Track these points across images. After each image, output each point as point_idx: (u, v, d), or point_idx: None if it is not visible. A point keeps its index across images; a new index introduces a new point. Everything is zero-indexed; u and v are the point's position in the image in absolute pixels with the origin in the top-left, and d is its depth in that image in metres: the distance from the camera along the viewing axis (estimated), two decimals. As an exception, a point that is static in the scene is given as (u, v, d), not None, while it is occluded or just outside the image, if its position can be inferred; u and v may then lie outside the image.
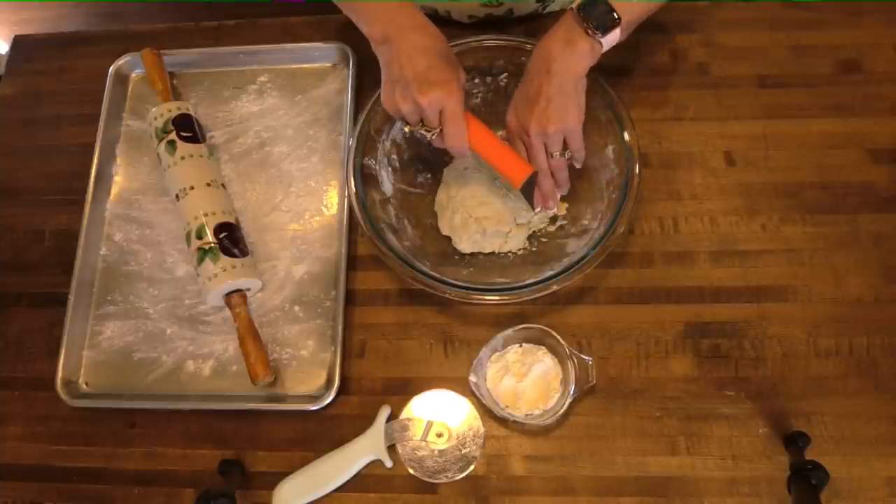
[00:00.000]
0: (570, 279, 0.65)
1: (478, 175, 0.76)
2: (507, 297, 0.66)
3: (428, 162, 0.79)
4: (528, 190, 0.69)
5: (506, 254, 0.75)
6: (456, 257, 0.76)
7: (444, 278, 0.67)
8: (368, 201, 0.71)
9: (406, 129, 0.67)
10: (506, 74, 0.78)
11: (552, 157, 0.68)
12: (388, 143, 0.76)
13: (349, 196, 0.71)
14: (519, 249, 0.76)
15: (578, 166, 0.71)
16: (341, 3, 0.69)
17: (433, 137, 0.66)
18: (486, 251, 0.75)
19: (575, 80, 0.65)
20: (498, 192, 0.75)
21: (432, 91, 0.61)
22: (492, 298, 0.66)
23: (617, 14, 0.63)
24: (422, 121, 0.65)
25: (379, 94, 0.72)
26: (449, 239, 0.76)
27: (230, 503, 0.63)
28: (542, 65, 0.64)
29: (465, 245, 0.75)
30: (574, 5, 0.64)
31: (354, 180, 0.71)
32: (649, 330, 0.72)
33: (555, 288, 0.65)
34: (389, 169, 0.77)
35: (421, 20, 0.65)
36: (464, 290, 0.66)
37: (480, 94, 0.80)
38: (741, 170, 0.77)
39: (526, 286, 0.66)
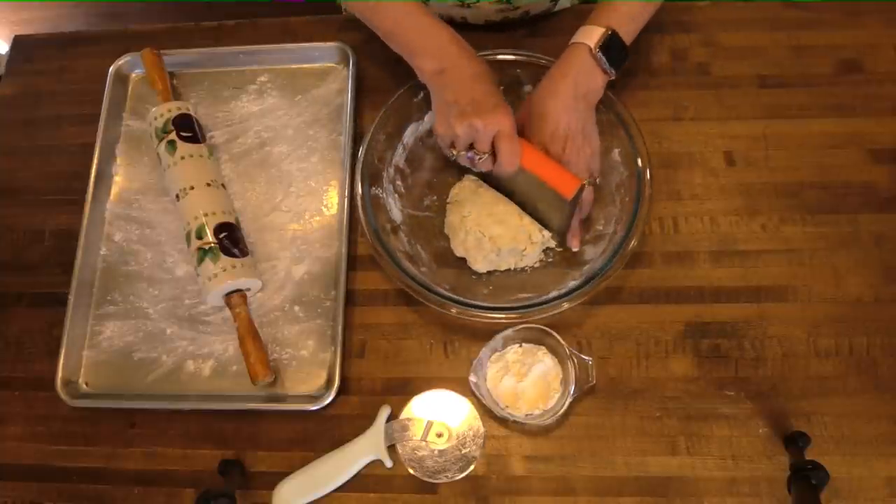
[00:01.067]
0: (592, 289, 0.65)
1: (489, 193, 0.75)
2: (534, 312, 0.66)
3: (432, 185, 0.79)
4: (574, 203, 0.68)
5: (523, 268, 0.75)
6: (473, 277, 0.75)
7: (470, 301, 0.67)
8: (380, 229, 0.71)
9: (452, 153, 0.68)
10: (502, 88, 0.77)
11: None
12: (391, 170, 0.76)
13: (355, 209, 0.71)
14: (535, 263, 0.75)
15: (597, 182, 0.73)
16: (390, 41, 0.70)
17: (482, 160, 0.67)
18: (502, 269, 0.75)
19: (594, 111, 0.70)
20: (511, 209, 0.74)
21: (490, 115, 0.63)
22: (510, 317, 0.66)
23: (627, 50, 0.67)
24: (471, 145, 0.66)
25: (377, 122, 0.73)
26: (463, 259, 0.75)
27: (230, 503, 0.63)
28: (568, 103, 0.67)
29: (480, 265, 0.74)
30: (592, 45, 0.66)
31: (364, 209, 0.70)
32: (649, 330, 0.72)
33: (579, 301, 0.65)
34: (396, 196, 0.76)
35: (470, 51, 0.67)
36: (486, 311, 0.66)
37: None
38: (741, 170, 0.77)
39: (551, 300, 0.66)
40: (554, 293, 0.67)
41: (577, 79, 0.66)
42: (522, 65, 0.75)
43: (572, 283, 0.67)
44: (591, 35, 0.66)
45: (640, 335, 0.72)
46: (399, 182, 0.77)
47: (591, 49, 0.66)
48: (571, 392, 0.66)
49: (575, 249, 0.73)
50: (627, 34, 0.68)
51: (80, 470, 0.73)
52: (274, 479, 0.68)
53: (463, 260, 0.75)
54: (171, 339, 0.76)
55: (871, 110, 0.78)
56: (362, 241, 0.78)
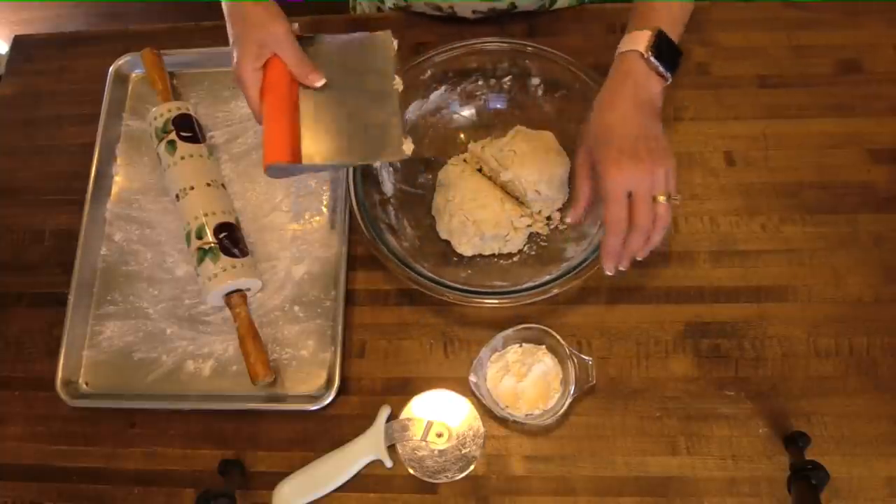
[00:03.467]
0: (568, 284, 0.65)
1: (474, 177, 0.76)
2: (505, 301, 0.66)
3: (429, 162, 0.79)
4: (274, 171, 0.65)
5: (505, 255, 0.75)
6: (455, 259, 0.76)
7: (444, 280, 0.67)
8: (368, 202, 0.71)
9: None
10: (510, 77, 0.78)
11: (657, 201, 0.59)
12: None
13: (349, 196, 0.71)
14: (518, 251, 0.76)
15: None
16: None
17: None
18: (486, 253, 0.75)
19: (660, 121, 0.63)
20: (495, 194, 0.75)
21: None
22: (491, 302, 0.66)
23: (679, 50, 0.63)
24: None
25: None
26: (447, 241, 0.76)
27: (230, 503, 0.63)
28: (629, 112, 0.61)
29: (464, 248, 0.75)
30: (642, 49, 0.61)
31: (354, 180, 0.71)
32: (649, 330, 0.72)
33: (555, 292, 0.65)
34: (390, 169, 0.77)
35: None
36: (462, 294, 0.66)
37: (484, 97, 0.80)
38: (741, 170, 0.77)
39: (524, 290, 0.66)
40: (528, 284, 0.67)
41: (636, 86, 0.62)
42: (531, 56, 0.75)
43: (547, 277, 0.67)
44: (638, 40, 0.62)
45: (640, 335, 0.72)
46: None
47: (642, 54, 0.61)
48: (571, 392, 0.66)
49: (569, 221, 0.68)
50: (674, 35, 0.64)
51: (80, 470, 0.73)
52: (274, 479, 0.68)
53: (447, 241, 0.76)
54: (171, 339, 0.76)
55: (871, 110, 0.78)
56: (362, 241, 0.78)
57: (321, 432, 0.71)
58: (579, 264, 0.66)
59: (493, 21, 0.85)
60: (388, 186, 0.76)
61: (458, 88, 0.79)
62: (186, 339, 0.76)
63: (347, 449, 0.69)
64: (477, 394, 0.69)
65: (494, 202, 0.74)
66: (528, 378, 0.68)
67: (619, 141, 0.60)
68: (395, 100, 0.66)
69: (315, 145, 0.64)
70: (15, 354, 0.78)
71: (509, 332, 0.69)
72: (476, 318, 0.74)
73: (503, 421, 0.70)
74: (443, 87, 0.78)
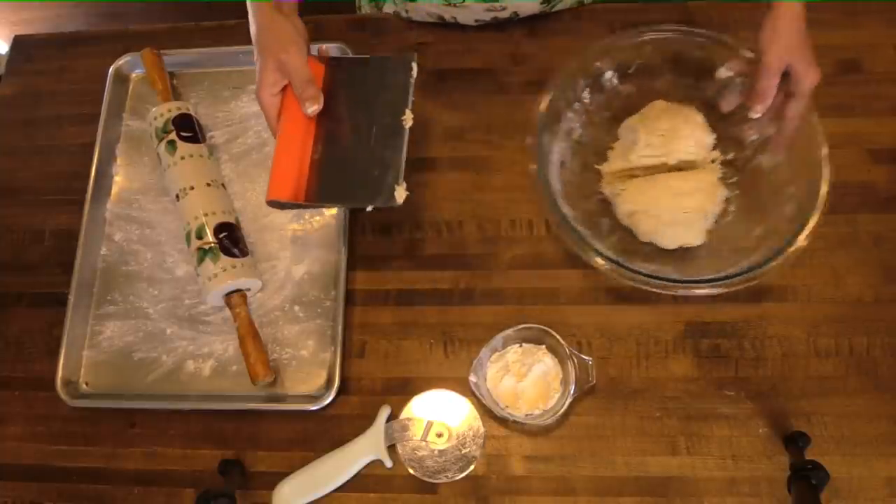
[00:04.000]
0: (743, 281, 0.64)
1: (652, 181, 0.73)
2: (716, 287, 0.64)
3: (596, 212, 0.75)
4: (275, 204, 0.67)
5: (720, 213, 0.73)
6: (690, 254, 0.72)
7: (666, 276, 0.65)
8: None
9: None
10: (587, 90, 0.76)
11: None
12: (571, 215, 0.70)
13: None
14: (725, 200, 0.73)
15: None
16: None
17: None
18: (710, 227, 0.73)
19: None
20: (685, 175, 0.72)
21: None
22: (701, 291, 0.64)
23: None
24: None
25: (549, 203, 0.68)
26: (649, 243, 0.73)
27: (230, 503, 0.63)
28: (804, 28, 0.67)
29: (696, 239, 0.72)
30: None
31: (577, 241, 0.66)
32: (649, 330, 0.72)
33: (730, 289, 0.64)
34: (596, 240, 0.70)
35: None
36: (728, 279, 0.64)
37: (577, 123, 0.76)
38: (741, 170, 0.77)
39: (733, 276, 0.64)
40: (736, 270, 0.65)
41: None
42: (597, 56, 0.73)
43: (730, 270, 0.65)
44: None
45: (640, 335, 0.72)
46: (582, 228, 0.70)
47: None
48: (571, 392, 0.66)
49: (754, 116, 0.70)
50: None
51: (80, 470, 0.73)
52: (274, 479, 0.68)
53: (676, 248, 0.73)
54: (171, 339, 0.76)
55: (871, 110, 0.78)
56: (362, 241, 0.78)
57: (321, 432, 0.71)
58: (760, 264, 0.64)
59: (493, 27, 0.85)
60: (602, 263, 0.68)
61: (558, 133, 0.75)
62: (186, 339, 0.76)
63: (347, 449, 0.69)
64: (477, 394, 0.69)
65: (692, 181, 0.72)
66: (528, 378, 0.68)
67: (809, 50, 0.67)
68: (402, 138, 0.65)
69: (317, 184, 0.66)
70: (15, 354, 0.78)
71: (509, 331, 0.69)
72: (476, 318, 0.74)
73: (503, 421, 0.70)
74: (555, 146, 0.74)
